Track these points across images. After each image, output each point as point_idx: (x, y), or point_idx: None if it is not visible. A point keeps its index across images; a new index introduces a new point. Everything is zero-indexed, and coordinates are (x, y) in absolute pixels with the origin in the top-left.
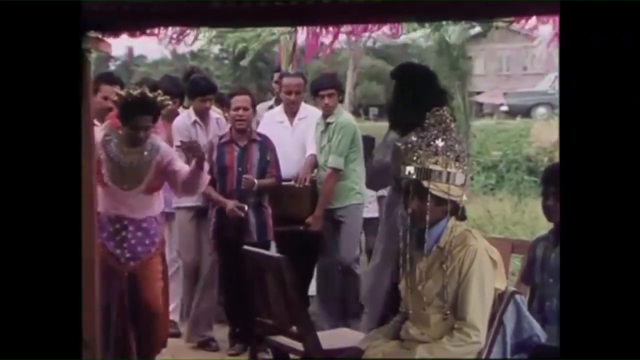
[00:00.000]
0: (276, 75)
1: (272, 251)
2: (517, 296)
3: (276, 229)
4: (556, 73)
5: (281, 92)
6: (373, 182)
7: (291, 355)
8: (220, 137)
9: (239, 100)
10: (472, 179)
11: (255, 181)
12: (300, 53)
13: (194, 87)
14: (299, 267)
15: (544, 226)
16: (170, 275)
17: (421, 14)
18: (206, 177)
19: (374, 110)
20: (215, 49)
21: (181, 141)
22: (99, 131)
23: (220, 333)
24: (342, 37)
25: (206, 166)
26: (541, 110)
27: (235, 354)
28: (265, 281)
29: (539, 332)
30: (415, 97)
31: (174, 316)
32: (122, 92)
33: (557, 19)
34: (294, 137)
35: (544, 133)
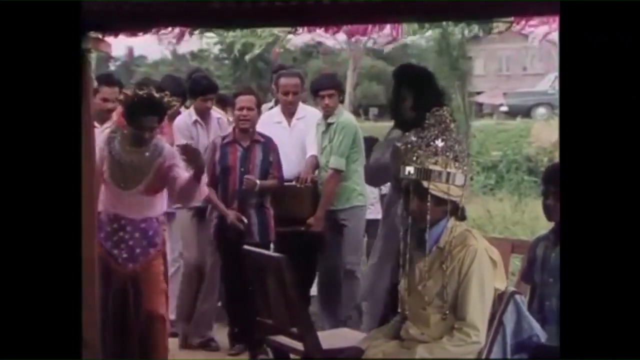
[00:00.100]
0: (274, 77)
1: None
2: (517, 296)
3: (277, 229)
4: (556, 73)
5: (278, 92)
6: (372, 180)
7: (291, 355)
8: (223, 137)
9: (244, 100)
10: (472, 179)
11: (257, 182)
12: (301, 54)
13: (195, 86)
14: (300, 267)
15: (544, 226)
16: (170, 276)
17: (421, 14)
18: (204, 190)
19: (374, 111)
20: (216, 49)
21: (182, 145)
22: (99, 132)
23: (220, 333)
24: (342, 37)
25: (204, 179)
26: (541, 110)
27: (235, 353)
28: (265, 281)
29: (539, 332)
30: (419, 95)
31: (173, 316)
32: (129, 92)
33: (555, 18)
34: (292, 137)
35: (544, 133)
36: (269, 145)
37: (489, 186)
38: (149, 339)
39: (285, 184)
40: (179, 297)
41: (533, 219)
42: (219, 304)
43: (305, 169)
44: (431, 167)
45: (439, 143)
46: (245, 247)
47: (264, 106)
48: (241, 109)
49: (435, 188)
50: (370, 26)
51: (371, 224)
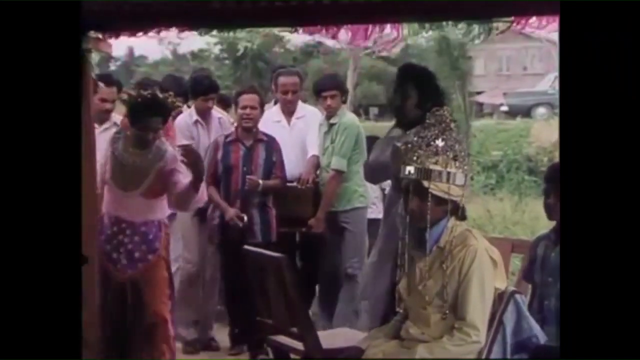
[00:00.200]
0: (273, 76)
1: None
2: (517, 296)
3: (278, 230)
4: (556, 73)
5: (277, 91)
6: (371, 177)
7: (291, 355)
8: (226, 136)
9: (247, 98)
10: (472, 178)
11: (260, 182)
12: (301, 54)
13: (196, 85)
14: (301, 268)
15: (544, 226)
16: None
17: (421, 14)
18: (202, 198)
19: (374, 110)
20: (216, 49)
21: (183, 146)
22: (98, 133)
23: (221, 333)
24: (343, 37)
25: (203, 187)
26: (541, 110)
27: (235, 353)
28: (265, 281)
29: (539, 333)
30: (424, 94)
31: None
32: (132, 92)
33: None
34: (291, 136)
35: (544, 133)
36: (272, 145)
37: (489, 186)
38: (153, 344)
39: (287, 184)
40: (178, 298)
41: (533, 219)
42: (220, 304)
43: (306, 170)
44: (431, 166)
45: (440, 143)
46: (246, 247)
47: (265, 106)
48: (244, 107)
49: (436, 188)
50: (370, 30)
51: (372, 223)
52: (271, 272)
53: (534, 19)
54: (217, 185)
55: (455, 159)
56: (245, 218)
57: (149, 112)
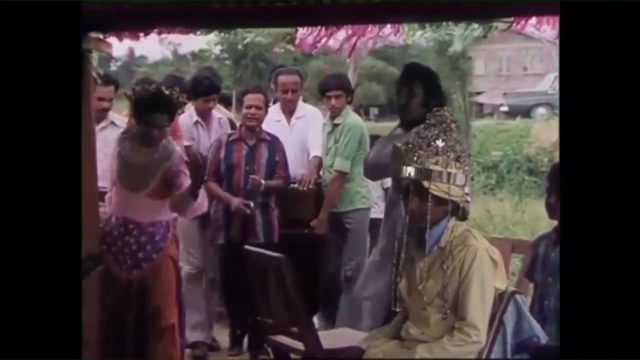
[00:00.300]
0: (272, 75)
1: None
2: (517, 296)
3: (280, 231)
4: (556, 73)
5: (277, 90)
6: (371, 174)
7: (292, 355)
8: (229, 135)
9: (252, 98)
10: (472, 179)
11: (262, 182)
12: (301, 53)
13: (196, 86)
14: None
15: (544, 226)
16: None
17: (421, 14)
18: (201, 206)
19: (374, 111)
20: (216, 49)
21: (186, 146)
22: (96, 131)
23: (221, 333)
24: (342, 37)
25: (203, 197)
26: (541, 110)
27: (235, 354)
28: (266, 281)
29: (539, 333)
30: (429, 93)
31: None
32: (137, 88)
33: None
34: (291, 136)
35: (544, 133)
36: (275, 145)
37: (489, 186)
38: (161, 349)
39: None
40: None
41: (533, 219)
42: (219, 304)
43: (308, 171)
44: (432, 167)
45: (440, 143)
46: (246, 247)
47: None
48: (249, 107)
49: (436, 188)
50: (369, 27)
51: (374, 223)
52: (271, 272)
53: (533, 19)
54: (219, 184)
55: (455, 159)
56: (252, 204)
57: (153, 108)
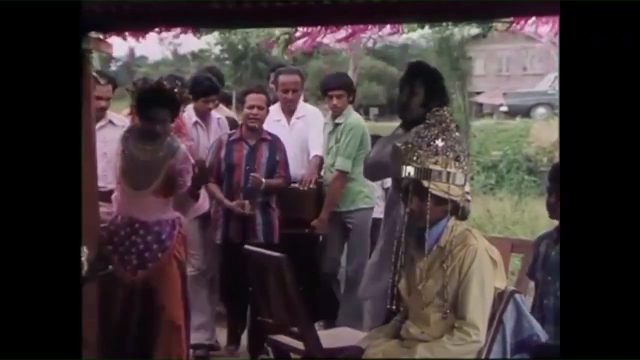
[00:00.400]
0: (272, 75)
1: None
2: (517, 295)
3: (281, 231)
4: (556, 73)
5: (278, 90)
6: (370, 174)
7: (292, 355)
8: (230, 135)
9: (254, 98)
10: (472, 178)
11: (263, 180)
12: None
13: (196, 86)
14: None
15: (544, 225)
16: None
17: (421, 14)
18: (202, 207)
19: (374, 111)
20: (216, 49)
21: (189, 146)
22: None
23: (221, 333)
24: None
25: (204, 197)
26: (541, 110)
27: (232, 350)
28: (266, 280)
29: (539, 332)
30: (430, 93)
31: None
32: (138, 82)
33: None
34: (291, 136)
35: (544, 133)
36: (276, 145)
37: (489, 186)
38: (167, 351)
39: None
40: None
41: (533, 219)
42: (219, 304)
43: (309, 171)
44: (431, 166)
45: (439, 143)
46: (247, 247)
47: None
48: (251, 107)
49: (436, 187)
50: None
51: (374, 222)
52: (271, 272)
53: (533, 19)
54: (220, 184)
55: (455, 159)
56: (247, 203)
57: (155, 102)
